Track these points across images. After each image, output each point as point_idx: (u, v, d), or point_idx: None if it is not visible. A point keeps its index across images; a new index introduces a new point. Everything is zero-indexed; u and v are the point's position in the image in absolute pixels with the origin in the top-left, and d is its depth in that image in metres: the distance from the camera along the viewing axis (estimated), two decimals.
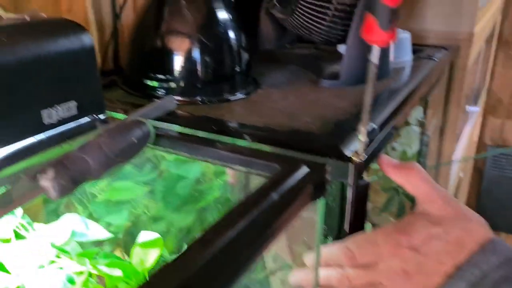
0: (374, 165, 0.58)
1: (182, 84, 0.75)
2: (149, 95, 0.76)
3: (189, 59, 0.74)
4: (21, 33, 0.48)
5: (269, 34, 0.98)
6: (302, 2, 0.82)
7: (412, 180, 0.54)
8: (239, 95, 0.78)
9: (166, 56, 0.74)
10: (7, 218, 0.56)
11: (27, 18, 0.50)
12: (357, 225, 0.55)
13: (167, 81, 0.75)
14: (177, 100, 0.75)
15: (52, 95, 0.50)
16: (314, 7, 0.81)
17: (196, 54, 0.74)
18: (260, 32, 0.97)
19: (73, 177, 0.41)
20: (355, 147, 0.53)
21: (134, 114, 0.50)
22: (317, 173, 0.43)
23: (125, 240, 0.65)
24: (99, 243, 0.63)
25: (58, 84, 0.50)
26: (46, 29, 0.50)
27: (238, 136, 0.58)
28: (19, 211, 0.57)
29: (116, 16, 0.85)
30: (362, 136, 0.51)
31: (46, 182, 0.40)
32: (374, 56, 0.47)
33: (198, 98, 0.75)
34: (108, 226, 0.64)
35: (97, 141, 0.43)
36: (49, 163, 0.41)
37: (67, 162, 0.41)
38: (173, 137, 0.53)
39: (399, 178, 0.55)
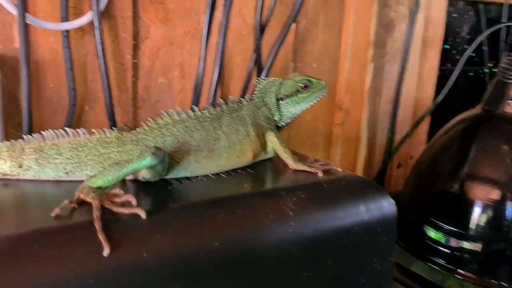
0: None
1: (477, 248, 0.54)
2: (423, 255, 0.56)
3: (496, 217, 0.53)
4: (311, 201, 0.34)
5: None
6: None
7: None
8: None
9: (464, 205, 0.54)
10: None
11: (319, 174, 0.37)
12: None
13: (457, 237, 0.54)
14: (461, 274, 0.54)
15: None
16: None
17: (509, 212, 0.52)
18: None
19: None
20: None
21: None
22: None
23: None
24: None
25: (341, 270, 0.35)
26: (340, 197, 0.36)
27: None
28: None
29: (390, 153, 0.70)
30: None
31: None
32: None
33: (494, 281, 0.52)
34: None
35: None
36: None
37: None
38: None
39: None
